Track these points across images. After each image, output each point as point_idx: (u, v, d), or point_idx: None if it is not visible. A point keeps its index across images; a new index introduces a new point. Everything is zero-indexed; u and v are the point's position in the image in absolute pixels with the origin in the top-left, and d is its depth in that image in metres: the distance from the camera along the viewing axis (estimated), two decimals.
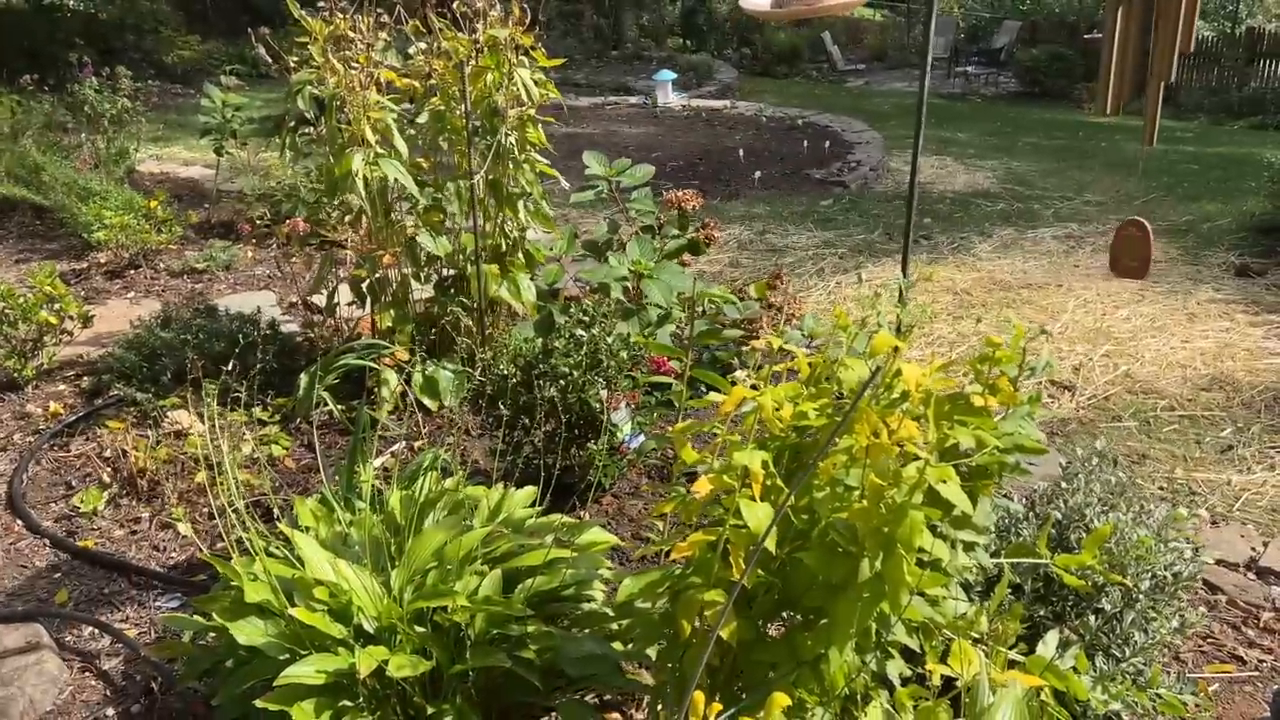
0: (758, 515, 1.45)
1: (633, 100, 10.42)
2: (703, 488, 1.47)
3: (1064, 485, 2.12)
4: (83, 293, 4.30)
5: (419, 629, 1.69)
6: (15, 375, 3.35)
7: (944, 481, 1.42)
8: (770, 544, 1.45)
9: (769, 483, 1.50)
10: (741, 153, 7.97)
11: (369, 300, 3.33)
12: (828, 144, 8.19)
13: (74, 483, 2.88)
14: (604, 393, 2.66)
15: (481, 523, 2.01)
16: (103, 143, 5.51)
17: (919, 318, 4.60)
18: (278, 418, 3.20)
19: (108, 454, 2.93)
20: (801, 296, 4.85)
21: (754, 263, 5.58)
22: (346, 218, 3.22)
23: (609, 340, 2.64)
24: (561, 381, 2.60)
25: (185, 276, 4.46)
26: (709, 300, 3.44)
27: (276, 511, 2.41)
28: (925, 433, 1.47)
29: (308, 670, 1.56)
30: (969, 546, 1.65)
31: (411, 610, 1.71)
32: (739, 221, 6.52)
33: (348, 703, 1.59)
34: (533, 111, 3.25)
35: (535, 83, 3.28)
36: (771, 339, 1.83)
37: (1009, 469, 1.64)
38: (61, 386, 3.43)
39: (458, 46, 3.10)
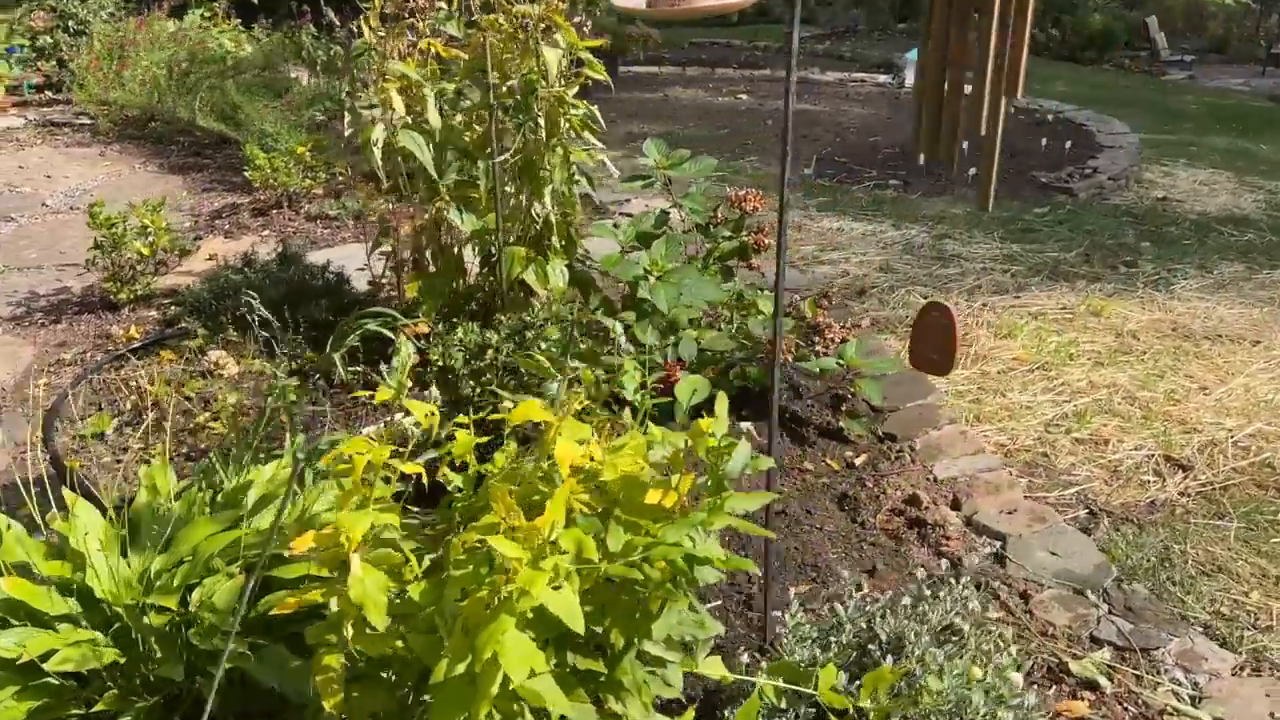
0: (363, 585, 1.31)
1: (881, 79, 9.85)
2: (302, 544, 1.33)
3: (907, 604, 1.77)
4: (227, 226, 4.67)
5: (147, 621, 1.69)
6: (113, 297, 3.70)
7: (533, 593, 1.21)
8: (376, 618, 1.30)
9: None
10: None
11: (397, 270, 3.37)
12: (1069, 144, 7.35)
13: (104, 405, 3.14)
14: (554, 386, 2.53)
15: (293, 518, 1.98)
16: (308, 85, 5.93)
17: (1050, 358, 4.04)
18: (303, 371, 3.32)
19: (142, 383, 3.17)
20: (909, 320, 4.39)
21: (908, 269, 5.13)
22: (384, 185, 3.26)
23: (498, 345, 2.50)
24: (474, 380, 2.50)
25: (318, 221, 4.73)
26: (739, 310, 3.19)
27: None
28: (555, 529, 1.25)
29: (5, 642, 1.59)
30: (660, 662, 1.41)
31: (148, 601, 1.70)
32: (924, 221, 6.01)
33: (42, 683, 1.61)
34: (569, 94, 3.12)
35: (582, 63, 3.15)
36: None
37: (690, 581, 1.37)
38: (152, 312, 3.74)
39: (497, 20, 3.02)
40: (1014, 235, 5.80)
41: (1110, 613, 2.46)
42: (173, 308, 3.72)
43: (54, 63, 7.04)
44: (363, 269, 3.88)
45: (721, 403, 1.54)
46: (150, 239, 3.66)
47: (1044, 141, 7.51)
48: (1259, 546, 2.85)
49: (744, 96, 9.41)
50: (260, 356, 3.41)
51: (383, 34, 3.05)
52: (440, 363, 2.54)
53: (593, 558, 1.20)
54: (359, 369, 3.22)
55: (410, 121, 3.10)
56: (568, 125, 3.24)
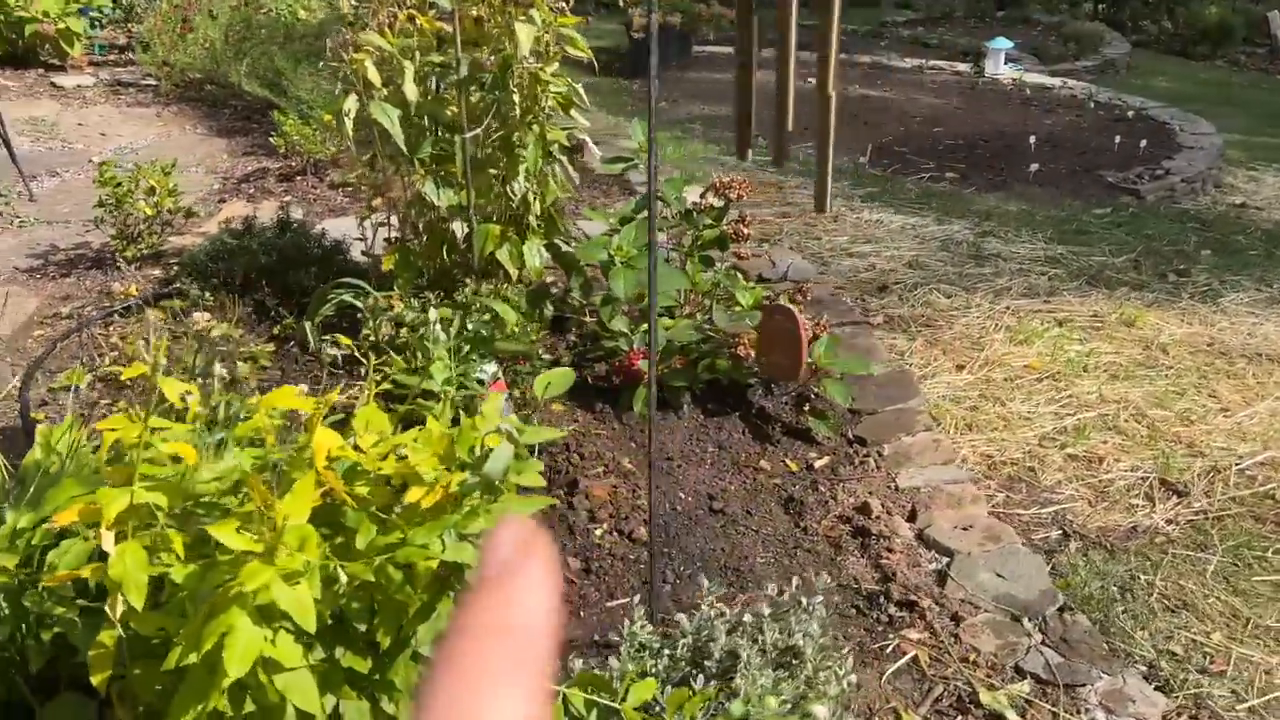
0: (122, 564, 1.29)
1: (960, 67, 9.49)
2: (65, 517, 1.32)
3: (750, 620, 1.69)
4: (251, 190, 4.76)
5: None
6: (120, 255, 3.80)
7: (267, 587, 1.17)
8: (135, 598, 1.29)
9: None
10: (1033, 140, 7.03)
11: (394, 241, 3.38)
12: (1144, 143, 6.98)
13: (84, 360, 3.23)
14: (480, 375, 2.50)
15: None
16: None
17: (1064, 368, 3.84)
18: (283, 337, 3.36)
19: (122, 341, 3.26)
20: (926, 319, 4.23)
21: (939, 267, 4.93)
22: (363, 158, 3.26)
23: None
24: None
25: (340, 190, 4.79)
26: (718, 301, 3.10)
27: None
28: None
29: None
30: None
31: None
32: (970, 217, 5.78)
33: None
34: (548, 70, 3.06)
35: (565, 40, 3.09)
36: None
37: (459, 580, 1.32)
38: (156, 271, 3.83)
39: None
40: (1064, 236, 5.54)
41: (1043, 643, 2.32)
42: (176, 268, 3.80)
43: (130, 24, 7.27)
44: (359, 239, 3.91)
45: (495, 402, 1.47)
46: (155, 199, 3.75)
47: (1118, 139, 7.15)
48: (1237, 584, 2.66)
49: (812, 80, 9.20)
50: (245, 321, 3.46)
51: (360, 3, 3.04)
52: (372, 338, 2.53)
53: (312, 556, 1.16)
54: (328, 337, 3.24)
55: (387, 94, 3.09)
56: (549, 103, 3.19)
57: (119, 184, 3.66)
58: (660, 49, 9.77)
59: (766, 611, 1.73)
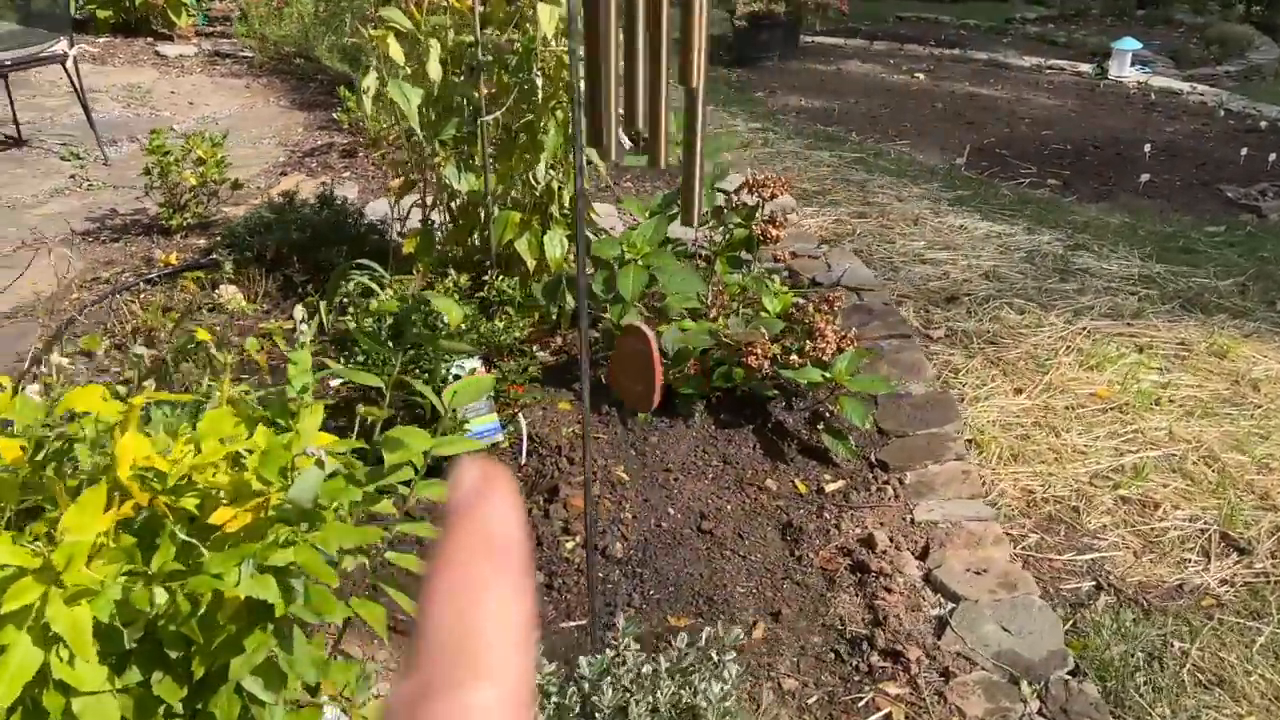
0: None
1: (1083, 67, 8.94)
2: None
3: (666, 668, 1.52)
4: (313, 164, 4.77)
5: None
6: (166, 223, 3.84)
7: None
8: None
9: None
10: (1148, 149, 6.55)
11: (404, 221, 3.30)
12: (1274, 157, 6.43)
13: (109, 325, 3.26)
14: (456, 371, 2.39)
15: None
16: None
17: (1135, 399, 3.51)
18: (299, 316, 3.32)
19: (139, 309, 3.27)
20: (991, 336, 3.94)
21: (1018, 279, 4.61)
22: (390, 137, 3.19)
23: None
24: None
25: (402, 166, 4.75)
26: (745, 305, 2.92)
27: None
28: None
29: None
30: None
31: None
32: (1065, 228, 5.40)
33: None
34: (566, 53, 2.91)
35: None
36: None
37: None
38: (201, 241, 3.86)
39: None
40: (1166, 254, 5.11)
41: (1039, 712, 2.08)
42: (217, 239, 3.81)
43: None
44: (400, 218, 3.85)
45: (314, 415, 1.33)
46: (201, 170, 3.76)
47: (1244, 151, 6.60)
48: None
49: (920, 76, 8.80)
50: (272, 296, 3.44)
51: None
52: (353, 324, 2.44)
53: (106, 574, 1.06)
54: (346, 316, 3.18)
55: (409, 72, 3.01)
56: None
57: (167, 152, 3.68)
58: (765, 39, 9.47)
59: (664, 665, 1.56)
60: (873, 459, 2.90)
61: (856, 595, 2.38)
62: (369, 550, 1.68)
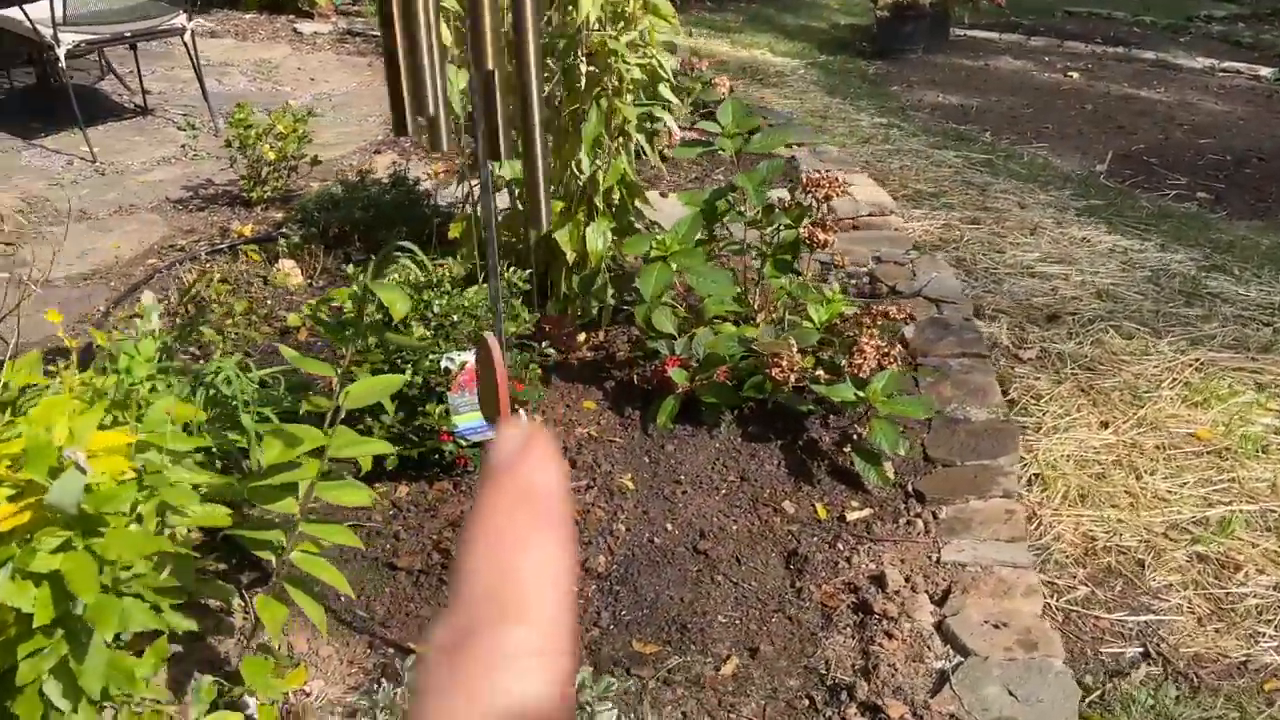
0: None
1: (1263, 71, 8.15)
2: None
3: None
4: (407, 144, 4.81)
5: None
6: (247, 195, 3.93)
7: None
8: None
9: None
10: None
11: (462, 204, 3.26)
12: None
13: (169, 293, 3.35)
14: (446, 364, 2.32)
15: None
16: None
17: (1239, 444, 3.13)
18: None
19: (215, 279, 3.34)
20: (1088, 361, 3.60)
21: (1136, 300, 4.20)
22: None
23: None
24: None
25: None
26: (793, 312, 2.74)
27: None
28: None
29: None
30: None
31: None
32: (1203, 246, 4.92)
33: None
34: (620, 43, 2.79)
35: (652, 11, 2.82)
36: None
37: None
38: (278, 214, 3.93)
39: None
40: None
41: None
42: (293, 213, 3.88)
43: None
44: (462, 201, 3.81)
45: (56, 405, 1.25)
46: (280, 145, 3.83)
47: None
48: None
49: (1075, 75, 8.21)
50: (330, 273, 3.47)
51: None
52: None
53: None
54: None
55: (458, 54, 2.94)
56: (629, 76, 2.92)
57: (249, 126, 3.76)
58: (910, 30, 9.07)
59: None
60: (909, 488, 2.67)
61: (853, 638, 2.18)
62: (279, 547, 1.63)
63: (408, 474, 2.45)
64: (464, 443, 2.37)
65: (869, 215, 4.48)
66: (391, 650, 2.01)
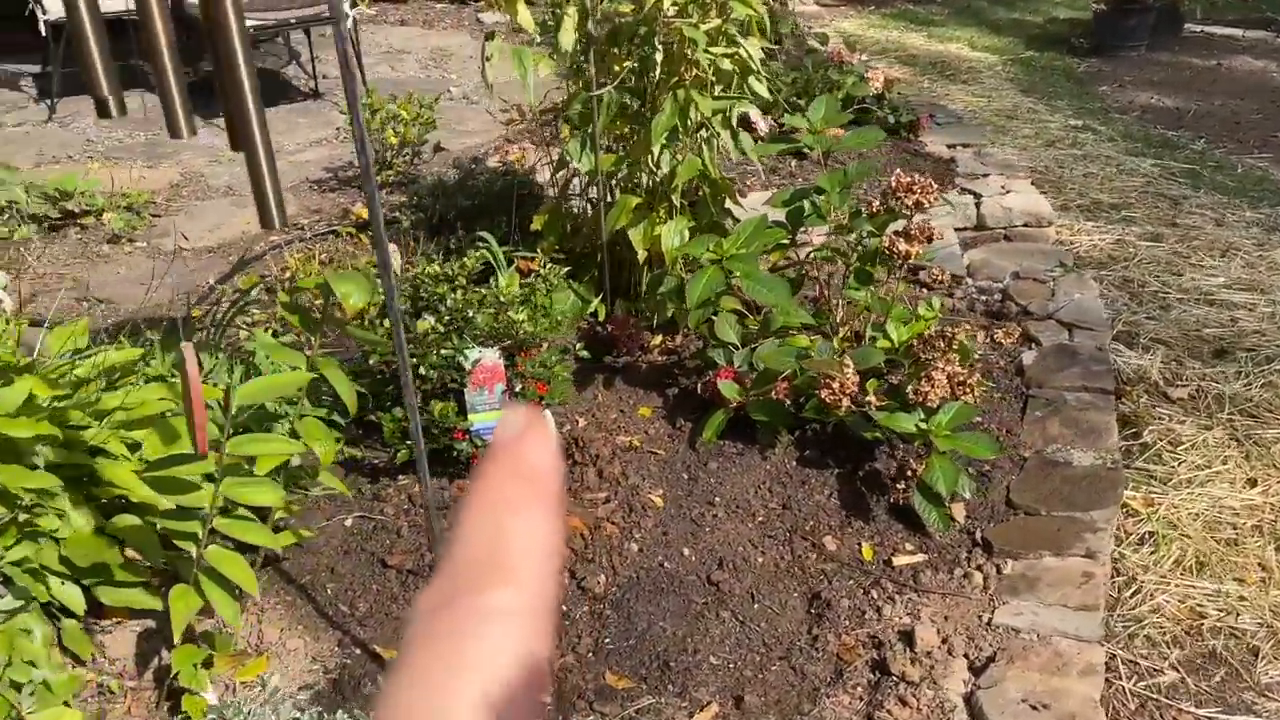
0: None
1: None
2: None
3: None
4: (549, 135, 4.80)
5: None
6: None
7: None
8: None
9: None
10: None
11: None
12: None
13: (276, 271, 3.46)
14: (464, 360, 2.24)
15: None
16: None
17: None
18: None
19: (320, 259, 3.44)
20: (1253, 406, 3.11)
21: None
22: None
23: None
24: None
25: None
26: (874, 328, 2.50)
27: None
28: None
29: None
30: None
31: None
32: None
33: None
34: (698, 32, 2.62)
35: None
36: None
37: None
38: (401, 198, 4.01)
39: None
40: None
41: None
42: (411, 198, 3.94)
43: None
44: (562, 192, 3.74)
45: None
46: (402, 130, 3.89)
47: None
48: None
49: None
50: (429, 258, 3.49)
51: None
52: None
53: None
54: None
55: (537, 40, 2.87)
56: (710, 69, 2.75)
57: (375, 110, 3.84)
58: (1133, 25, 8.29)
59: None
60: (977, 536, 2.37)
61: (861, 699, 1.94)
62: (196, 539, 1.60)
63: (433, 470, 2.39)
64: (479, 442, 2.29)
65: (1022, 226, 4.08)
66: (359, 651, 1.96)
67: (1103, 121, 6.25)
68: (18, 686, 1.44)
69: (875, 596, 2.18)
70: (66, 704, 1.46)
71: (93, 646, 1.85)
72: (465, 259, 2.36)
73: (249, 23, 4.61)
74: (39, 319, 2.99)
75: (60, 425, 1.74)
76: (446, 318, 2.24)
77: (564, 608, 2.08)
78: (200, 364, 1.21)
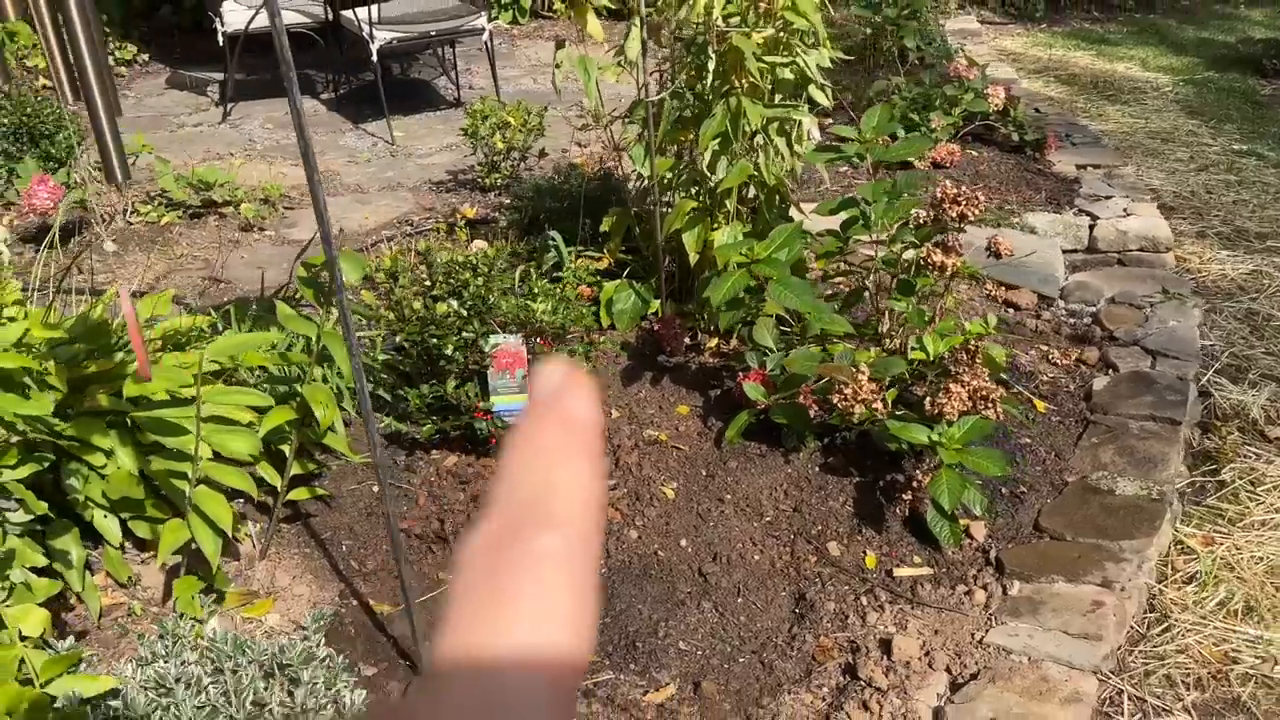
0: None
1: None
2: None
3: None
4: None
5: None
6: (482, 181, 4.27)
7: None
8: None
9: None
10: None
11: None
12: None
13: (375, 262, 3.72)
14: (484, 344, 2.37)
15: None
16: None
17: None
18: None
19: (414, 251, 3.68)
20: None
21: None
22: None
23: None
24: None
25: None
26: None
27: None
28: None
29: None
30: None
31: None
32: None
33: None
34: (750, 42, 2.67)
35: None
36: None
37: None
38: (506, 199, 4.23)
39: None
40: None
41: None
42: (514, 200, 4.14)
43: None
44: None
45: None
46: (508, 135, 4.09)
47: None
48: None
49: None
50: (521, 256, 3.67)
51: None
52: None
53: None
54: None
55: (606, 49, 2.99)
56: (766, 78, 2.80)
57: (486, 117, 4.07)
58: None
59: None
60: (992, 555, 2.31)
61: (823, 700, 1.94)
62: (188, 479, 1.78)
63: (463, 446, 2.54)
64: (500, 423, 2.42)
65: (1137, 250, 3.89)
66: (355, 603, 2.12)
67: (1273, 147, 5.82)
68: (9, 588, 1.67)
69: (864, 604, 2.17)
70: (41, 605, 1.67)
71: (130, 572, 2.09)
72: (482, 244, 2.50)
73: (394, 35, 4.93)
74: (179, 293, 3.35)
75: (119, 378, 1.98)
76: (469, 303, 2.38)
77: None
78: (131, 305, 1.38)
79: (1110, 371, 3.02)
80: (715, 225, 2.94)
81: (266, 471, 2.10)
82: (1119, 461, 2.59)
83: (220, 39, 5.37)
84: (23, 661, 1.62)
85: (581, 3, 2.89)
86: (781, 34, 2.78)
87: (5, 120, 3.95)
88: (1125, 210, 4.17)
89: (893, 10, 5.26)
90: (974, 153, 4.70)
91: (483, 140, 4.13)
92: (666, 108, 2.93)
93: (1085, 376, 3.02)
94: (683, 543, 2.30)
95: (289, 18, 5.46)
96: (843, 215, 2.71)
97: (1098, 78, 7.14)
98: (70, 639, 1.60)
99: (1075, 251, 3.92)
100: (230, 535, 1.90)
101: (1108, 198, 4.32)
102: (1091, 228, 4.02)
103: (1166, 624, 2.28)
